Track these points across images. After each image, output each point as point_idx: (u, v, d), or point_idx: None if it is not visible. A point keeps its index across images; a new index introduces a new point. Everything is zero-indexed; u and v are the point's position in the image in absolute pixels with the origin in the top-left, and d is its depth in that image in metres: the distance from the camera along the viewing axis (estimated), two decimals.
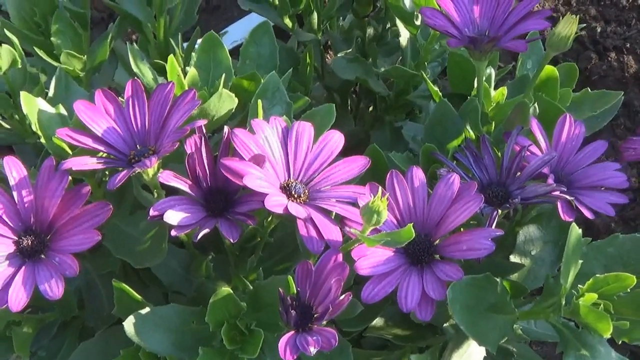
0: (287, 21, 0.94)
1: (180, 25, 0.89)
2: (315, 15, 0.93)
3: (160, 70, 0.80)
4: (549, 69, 0.81)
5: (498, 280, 0.71)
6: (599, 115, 0.90)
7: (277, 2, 0.92)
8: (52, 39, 0.82)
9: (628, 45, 1.69)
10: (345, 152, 0.73)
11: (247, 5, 0.98)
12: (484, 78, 0.79)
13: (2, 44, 0.74)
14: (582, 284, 0.68)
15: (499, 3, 0.74)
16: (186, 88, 0.70)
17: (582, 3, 1.78)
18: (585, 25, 1.71)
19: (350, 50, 0.96)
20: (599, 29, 1.72)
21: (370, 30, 1.01)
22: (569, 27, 0.72)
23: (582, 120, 0.81)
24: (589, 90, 0.90)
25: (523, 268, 0.78)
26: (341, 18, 1.04)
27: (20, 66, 0.75)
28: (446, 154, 0.79)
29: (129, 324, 0.63)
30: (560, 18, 0.75)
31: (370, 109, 1.06)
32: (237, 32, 1.39)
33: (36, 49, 0.83)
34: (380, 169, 0.77)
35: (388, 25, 0.99)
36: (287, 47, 0.98)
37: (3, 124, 0.84)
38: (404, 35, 0.91)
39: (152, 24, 0.85)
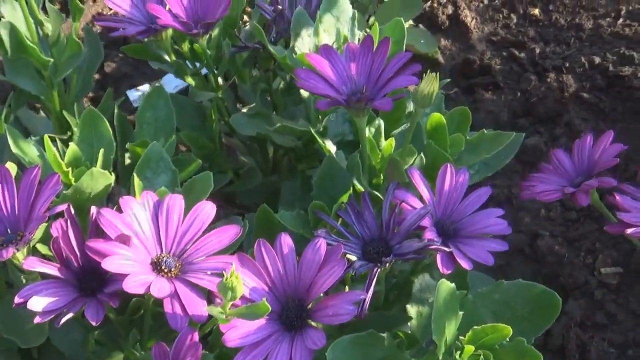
0: (190, 80, 0.96)
1: (78, 93, 0.91)
2: (215, 74, 0.95)
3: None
4: (437, 117, 0.83)
5: (384, 335, 0.72)
6: (500, 153, 0.92)
7: (172, 59, 0.94)
8: None
9: (567, 65, 1.73)
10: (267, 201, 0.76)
11: (157, 65, 1.00)
12: (373, 131, 0.81)
13: None
14: (468, 332, 0.70)
15: (374, 60, 0.76)
16: (64, 167, 0.72)
17: (520, 25, 1.83)
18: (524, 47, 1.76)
19: (254, 105, 0.98)
20: (537, 50, 1.77)
21: (279, 82, 1.03)
22: (430, 85, 0.74)
23: (477, 175, 0.84)
24: (485, 131, 0.92)
25: (419, 317, 0.80)
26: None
27: None
28: (335, 205, 0.81)
29: None
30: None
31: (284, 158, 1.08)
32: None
33: None
34: (272, 228, 0.79)
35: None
36: (195, 105, 1.01)
37: None
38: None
39: (47, 97, 0.88)
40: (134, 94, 1.19)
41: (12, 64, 0.84)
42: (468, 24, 1.82)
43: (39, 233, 0.65)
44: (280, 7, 0.96)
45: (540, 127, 1.65)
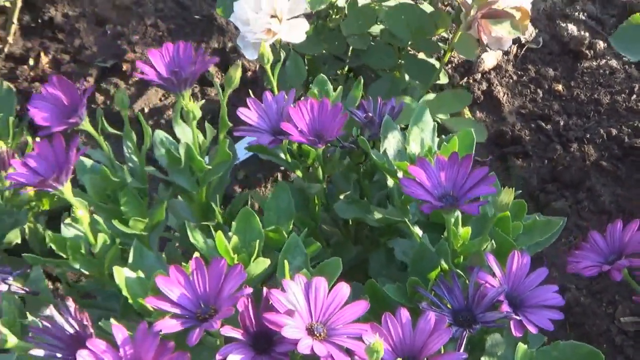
0: (298, 172, 1.20)
1: (216, 188, 1.15)
2: (319, 169, 1.18)
3: (202, 228, 1.06)
4: (504, 213, 1.06)
5: None
6: (549, 237, 1.14)
7: (288, 159, 1.18)
8: (121, 208, 1.08)
9: (588, 136, 1.93)
10: (349, 272, 0.98)
11: (267, 157, 1.24)
12: (452, 220, 1.04)
13: (99, 234, 1.00)
14: None
15: (459, 171, 1.00)
16: (230, 252, 0.96)
17: (546, 99, 2.03)
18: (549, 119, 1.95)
19: (349, 192, 1.21)
20: (562, 122, 1.96)
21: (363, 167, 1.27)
22: (507, 196, 0.97)
23: (528, 250, 1.07)
24: (537, 217, 1.15)
25: None
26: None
27: (108, 242, 1.00)
28: (427, 281, 1.03)
29: None
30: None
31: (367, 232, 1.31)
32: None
33: (104, 215, 1.09)
34: (378, 298, 1.03)
35: None
36: (300, 187, 1.24)
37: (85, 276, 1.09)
38: (390, 180, 1.17)
39: (196, 191, 1.12)
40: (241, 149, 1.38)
41: (175, 168, 1.08)
42: (500, 99, 2.02)
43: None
44: (370, 114, 1.20)
45: (566, 191, 1.82)
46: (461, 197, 0.99)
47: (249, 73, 2.09)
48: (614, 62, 2.08)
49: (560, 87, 2.05)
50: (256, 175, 1.87)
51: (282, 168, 1.84)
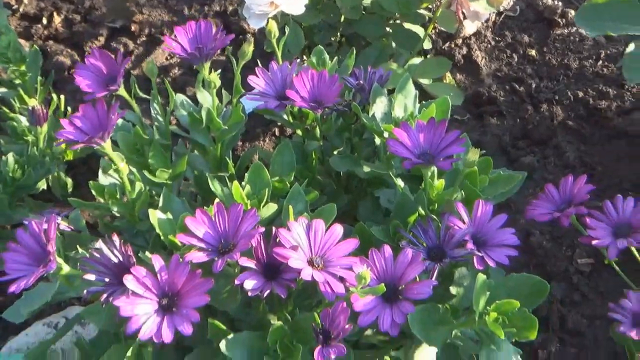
0: (299, 132, 1.39)
1: (228, 144, 1.34)
2: (317, 129, 1.37)
3: (217, 179, 1.26)
4: (472, 169, 1.25)
5: (440, 305, 1.16)
6: (511, 187, 1.34)
7: (290, 120, 1.37)
8: (149, 160, 1.27)
9: (557, 98, 2.11)
10: (341, 217, 1.18)
11: (271, 117, 1.43)
12: (430, 174, 1.24)
13: (136, 182, 1.19)
14: (492, 304, 1.13)
15: (435, 133, 1.20)
16: (245, 199, 1.16)
17: (520, 63, 2.21)
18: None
19: (342, 149, 1.40)
20: (534, 85, 2.15)
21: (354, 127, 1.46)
22: (474, 155, 1.17)
23: (492, 199, 1.27)
24: (502, 171, 1.34)
25: (459, 294, 1.23)
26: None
27: (144, 192, 1.20)
28: (407, 224, 1.24)
29: (222, 345, 1.08)
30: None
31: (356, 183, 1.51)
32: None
33: (135, 167, 1.28)
34: (366, 238, 1.23)
35: None
36: (299, 143, 1.43)
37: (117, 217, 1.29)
38: (377, 139, 1.36)
39: (213, 147, 1.31)
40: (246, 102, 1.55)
41: (196, 128, 1.28)
42: (478, 62, 2.20)
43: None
44: (361, 82, 1.39)
45: (535, 148, 2.00)
46: (437, 155, 1.19)
47: (249, 35, 2.27)
48: (583, 30, 2.26)
49: (533, 52, 2.23)
50: (255, 130, 2.06)
51: (279, 123, 2.02)
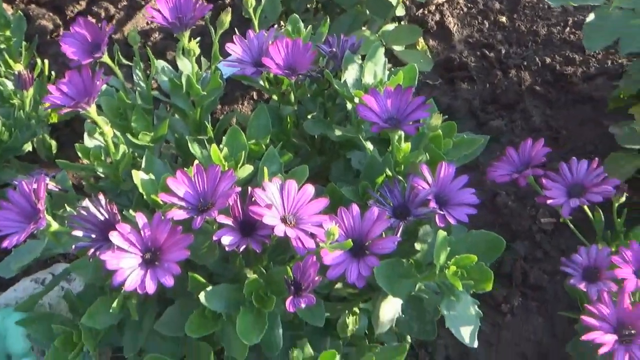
0: (274, 97, 1.47)
1: (207, 109, 1.41)
2: (292, 94, 1.45)
3: (197, 141, 1.33)
4: (436, 133, 1.33)
5: (405, 260, 1.25)
6: (474, 150, 1.42)
7: (267, 86, 1.45)
8: (132, 124, 1.34)
9: (525, 63, 2.19)
10: (314, 177, 1.26)
11: (248, 83, 1.50)
12: (397, 138, 1.32)
13: (120, 145, 1.26)
14: (452, 259, 1.22)
15: (402, 99, 1.27)
16: (222, 160, 1.24)
17: (491, 30, 2.29)
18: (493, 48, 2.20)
19: (315, 113, 1.48)
20: (503, 51, 2.23)
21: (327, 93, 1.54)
22: (436, 120, 1.25)
23: (456, 161, 1.35)
24: (465, 135, 1.42)
25: (423, 250, 1.32)
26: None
27: (127, 154, 1.27)
28: (375, 185, 1.32)
29: (202, 296, 1.16)
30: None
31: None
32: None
33: (118, 130, 1.35)
34: (336, 197, 1.31)
35: None
36: (274, 108, 1.51)
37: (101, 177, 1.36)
38: (349, 104, 1.43)
39: (192, 112, 1.38)
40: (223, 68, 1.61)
41: (177, 94, 1.35)
42: (451, 29, 2.27)
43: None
44: (333, 49, 1.46)
45: (503, 112, 2.08)
46: (403, 120, 1.27)
47: (227, 0, 2.32)
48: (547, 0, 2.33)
49: (504, 19, 2.30)
50: (234, 94, 2.13)
51: (258, 88, 2.09)
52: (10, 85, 1.69)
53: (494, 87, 2.15)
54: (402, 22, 2.13)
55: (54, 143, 1.92)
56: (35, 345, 1.48)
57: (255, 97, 2.12)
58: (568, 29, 2.27)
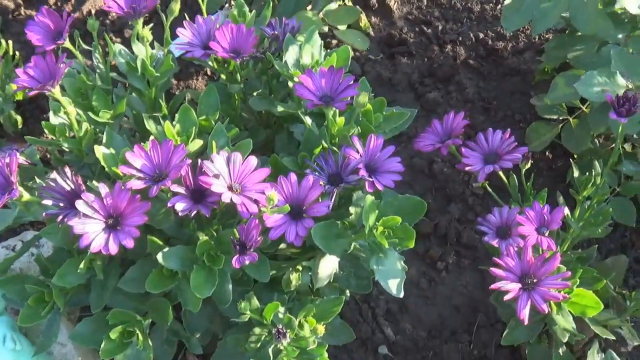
0: (223, 76, 1.61)
1: (161, 89, 1.56)
2: (238, 74, 1.60)
3: (152, 118, 1.48)
4: (367, 108, 1.49)
5: (338, 222, 1.41)
6: (404, 122, 1.58)
7: (215, 66, 1.59)
8: (93, 103, 1.48)
9: (460, 39, 2.34)
10: (261, 148, 1.41)
11: (199, 62, 1.65)
12: (332, 113, 1.47)
13: (83, 123, 1.40)
14: (380, 220, 1.38)
15: (334, 79, 1.43)
16: (175, 136, 1.38)
17: (429, 7, 2.43)
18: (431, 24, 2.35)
19: (260, 90, 1.63)
20: (440, 27, 2.38)
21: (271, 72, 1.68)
22: (363, 98, 1.41)
23: (382, 133, 1.51)
24: (394, 110, 1.58)
25: (356, 213, 1.48)
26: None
27: (90, 131, 1.41)
28: (313, 155, 1.48)
29: (159, 257, 1.32)
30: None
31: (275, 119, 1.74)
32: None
33: (82, 109, 1.49)
34: (279, 167, 1.47)
35: None
36: (222, 86, 1.65)
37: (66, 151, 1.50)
38: (290, 82, 1.58)
39: (147, 91, 1.53)
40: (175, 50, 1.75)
41: (133, 75, 1.49)
42: (391, 6, 2.41)
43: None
44: (275, 32, 1.61)
45: (440, 84, 2.23)
46: (335, 97, 1.43)
47: None
48: None
49: None
50: (189, 70, 2.27)
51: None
52: None
53: (431, 61, 2.29)
54: (346, 1, 2.27)
55: (19, 118, 2.05)
56: (9, 306, 1.63)
57: (208, 72, 2.26)
58: (499, 6, 2.43)
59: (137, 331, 1.40)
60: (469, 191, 2.07)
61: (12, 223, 1.46)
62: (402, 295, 1.38)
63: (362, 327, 1.85)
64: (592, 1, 1.56)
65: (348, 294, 1.62)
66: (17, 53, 1.96)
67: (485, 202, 2.06)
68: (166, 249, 1.33)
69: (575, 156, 2.01)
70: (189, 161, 1.30)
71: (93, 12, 2.41)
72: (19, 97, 1.92)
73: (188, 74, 2.25)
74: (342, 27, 2.12)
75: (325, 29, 2.10)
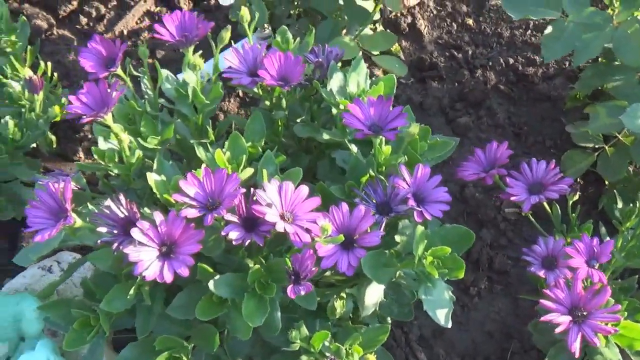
0: (267, 102, 1.62)
1: (207, 115, 1.57)
2: (283, 100, 1.61)
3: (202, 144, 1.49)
4: (414, 138, 1.50)
5: (387, 251, 1.42)
6: (446, 151, 1.59)
7: (260, 93, 1.60)
8: (141, 129, 1.49)
9: (490, 64, 2.37)
10: (303, 175, 1.43)
11: (243, 89, 1.65)
12: (378, 142, 1.48)
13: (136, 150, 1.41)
14: (428, 250, 1.39)
15: (383, 108, 1.44)
16: (226, 163, 1.39)
17: (459, 32, 2.45)
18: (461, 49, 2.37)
19: (304, 117, 1.64)
20: (470, 52, 2.40)
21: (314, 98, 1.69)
22: (414, 129, 1.42)
23: (431, 161, 1.52)
24: (438, 138, 1.59)
25: (402, 242, 1.49)
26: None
27: (140, 157, 1.42)
28: (360, 184, 1.48)
29: (211, 284, 1.32)
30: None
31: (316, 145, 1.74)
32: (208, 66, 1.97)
33: (129, 134, 1.50)
34: (325, 194, 1.47)
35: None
36: (266, 112, 1.66)
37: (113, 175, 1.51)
38: (334, 109, 1.59)
39: (195, 117, 1.54)
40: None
41: (183, 101, 1.50)
42: (422, 31, 2.43)
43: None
44: (320, 59, 1.62)
45: (470, 109, 2.25)
46: (384, 127, 1.43)
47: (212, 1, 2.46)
48: (509, 13, 2.49)
49: (471, 21, 2.47)
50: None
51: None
52: (16, 86, 1.82)
53: (462, 85, 2.31)
54: (377, 25, 2.29)
55: (54, 138, 2.06)
56: (46, 328, 1.64)
57: (241, 94, 2.27)
58: (529, 31, 2.45)
59: (183, 356, 1.41)
60: (500, 216, 2.08)
61: (57, 246, 1.46)
62: (450, 325, 1.38)
63: (396, 352, 1.86)
64: (635, 33, 1.58)
65: (389, 321, 1.62)
66: (55, 74, 1.97)
67: (517, 227, 2.07)
68: (217, 277, 1.34)
69: (607, 183, 2.02)
70: (243, 190, 1.30)
71: (125, 32, 2.42)
72: (58, 119, 1.93)
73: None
74: (376, 52, 2.13)
75: (360, 53, 2.11)
